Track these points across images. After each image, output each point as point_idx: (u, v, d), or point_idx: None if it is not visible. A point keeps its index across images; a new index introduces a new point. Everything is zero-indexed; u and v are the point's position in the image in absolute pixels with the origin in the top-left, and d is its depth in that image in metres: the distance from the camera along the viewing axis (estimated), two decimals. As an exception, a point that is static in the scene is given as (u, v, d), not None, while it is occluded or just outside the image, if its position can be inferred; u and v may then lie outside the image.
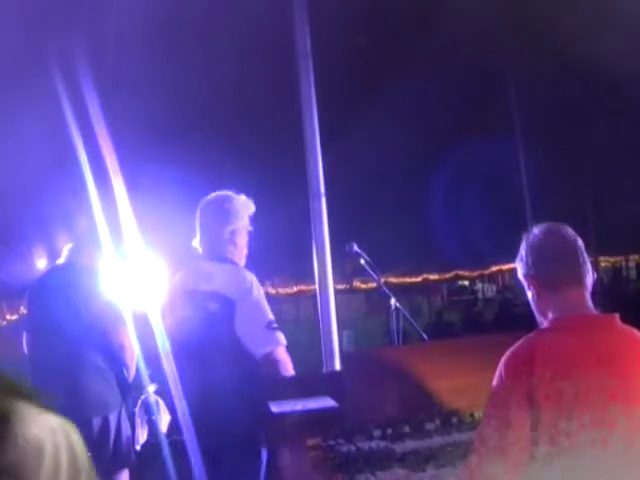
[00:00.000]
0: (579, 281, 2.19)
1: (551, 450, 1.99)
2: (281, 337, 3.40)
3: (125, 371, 4.40)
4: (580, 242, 2.23)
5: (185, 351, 3.47)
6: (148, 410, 4.72)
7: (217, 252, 3.60)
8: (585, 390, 2.02)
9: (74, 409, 4.23)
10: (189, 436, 3.38)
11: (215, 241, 3.61)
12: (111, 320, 4.33)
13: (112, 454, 4.27)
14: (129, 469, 4.43)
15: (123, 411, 4.38)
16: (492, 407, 2.08)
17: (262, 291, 3.47)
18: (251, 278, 3.44)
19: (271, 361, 3.33)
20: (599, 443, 2.01)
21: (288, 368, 3.38)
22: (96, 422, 4.21)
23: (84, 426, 4.18)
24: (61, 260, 4.59)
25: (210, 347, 3.35)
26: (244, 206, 3.68)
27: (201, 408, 3.30)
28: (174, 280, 3.73)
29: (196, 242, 3.69)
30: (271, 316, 3.42)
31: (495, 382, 2.08)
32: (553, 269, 2.20)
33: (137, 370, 4.51)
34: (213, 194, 3.72)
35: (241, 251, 3.67)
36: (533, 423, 1.99)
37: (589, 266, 2.22)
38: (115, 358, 4.36)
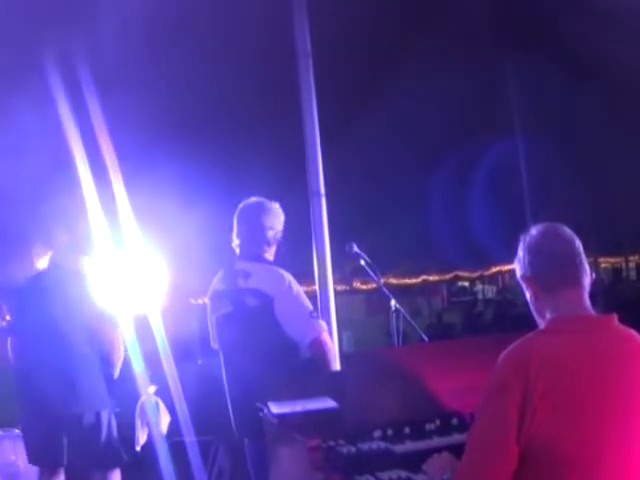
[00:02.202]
0: (577, 282, 2.18)
1: (547, 451, 1.99)
2: (323, 324, 3.63)
3: (112, 370, 4.48)
4: (578, 242, 2.22)
5: (229, 345, 3.69)
6: (148, 411, 4.73)
7: (254, 252, 3.79)
8: (581, 391, 2.02)
9: (67, 404, 4.32)
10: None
11: (253, 242, 3.80)
12: (103, 320, 4.43)
13: (104, 451, 4.31)
14: (120, 468, 4.46)
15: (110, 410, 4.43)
16: (485, 408, 2.07)
17: (299, 286, 3.68)
18: (288, 276, 3.66)
19: (317, 346, 3.52)
20: (596, 443, 2.00)
21: (334, 351, 3.62)
22: (88, 417, 4.26)
23: (77, 421, 4.23)
24: (44, 265, 4.66)
25: (252, 339, 3.53)
26: (280, 213, 3.91)
27: (243, 399, 3.40)
28: (215, 280, 3.89)
29: (234, 243, 3.86)
30: (310, 307, 3.64)
31: (490, 383, 2.07)
32: (550, 270, 2.19)
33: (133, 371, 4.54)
34: (252, 199, 3.90)
35: (272, 254, 3.87)
36: (528, 425, 1.98)
37: (587, 266, 2.21)
38: (104, 357, 4.45)
